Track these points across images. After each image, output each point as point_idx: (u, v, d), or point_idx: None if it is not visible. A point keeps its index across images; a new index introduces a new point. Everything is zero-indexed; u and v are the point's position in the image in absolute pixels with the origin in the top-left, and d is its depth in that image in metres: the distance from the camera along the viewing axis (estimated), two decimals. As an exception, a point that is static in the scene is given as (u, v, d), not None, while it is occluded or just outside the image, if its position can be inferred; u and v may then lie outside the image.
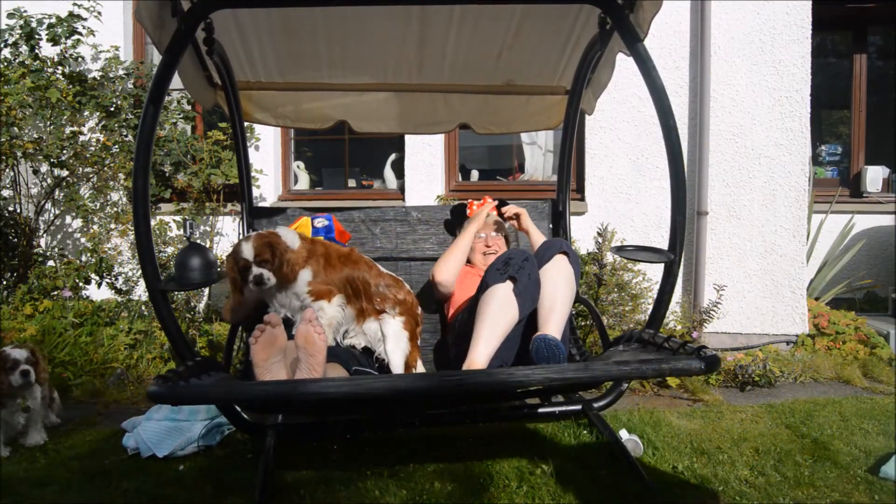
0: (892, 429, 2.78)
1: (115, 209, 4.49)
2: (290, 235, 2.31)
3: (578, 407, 2.65)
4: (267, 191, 4.82)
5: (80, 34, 4.45)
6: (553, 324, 2.20)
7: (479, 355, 2.12)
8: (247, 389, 1.80)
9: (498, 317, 2.18)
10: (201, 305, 4.34)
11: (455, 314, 2.65)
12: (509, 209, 2.91)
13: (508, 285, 2.22)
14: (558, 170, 3.26)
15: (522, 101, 3.22)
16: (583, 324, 3.78)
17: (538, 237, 2.80)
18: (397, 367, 2.39)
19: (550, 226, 3.18)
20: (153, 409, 2.75)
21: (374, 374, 2.34)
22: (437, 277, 2.66)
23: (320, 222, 2.75)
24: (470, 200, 2.99)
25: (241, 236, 2.85)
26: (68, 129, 4.38)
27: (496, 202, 2.96)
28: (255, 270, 2.17)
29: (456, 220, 3.06)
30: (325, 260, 2.35)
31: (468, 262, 2.82)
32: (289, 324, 2.23)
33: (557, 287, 2.28)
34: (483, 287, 2.28)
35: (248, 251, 2.18)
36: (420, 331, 2.59)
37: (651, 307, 2.40)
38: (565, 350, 2.18)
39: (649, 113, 4.21)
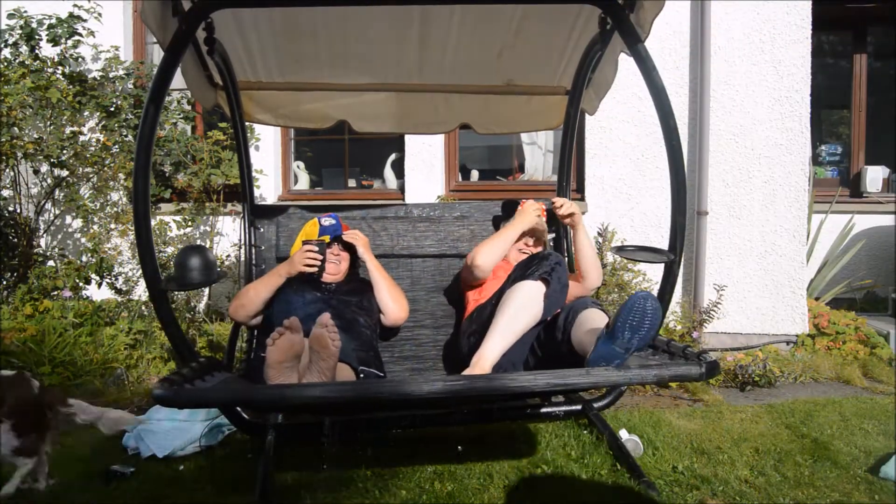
0: (892, 429, 2.78)
1: (115, 209, 4.48)
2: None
3: (578, 407, 2.66)
4: (267, 191, 4.82)
5: (80, 35, 4.45)
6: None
7: (491, 350, 2.10)
8: (253, 392, 1.80)
9: (520, 314, 2.15)
10: (201, 305, 4.34)
11: (476, 304, 2.59)
12: (565, 206, 2.65)
13: (538, 285, 2.17)
14: (558, 170, 3.26)
15: (523, 101, 3.21)
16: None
17: (585, 242, 2.67)
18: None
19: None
20: (153, 410, 2.75)
21: (380, 374, 2.34)
22: (476, 260, 2.54)
23: (327, 220, 2.78)
24: (523, 200, 2.88)
25: (242, 237, 2.89)
26: (68, 129, 4.37)
27: (544, 205, 2.84)
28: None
29: (505, 215, 2.97)
30: None
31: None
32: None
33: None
34: (511, 281, 2.25)
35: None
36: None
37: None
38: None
39: (649, 113, 4.20)
